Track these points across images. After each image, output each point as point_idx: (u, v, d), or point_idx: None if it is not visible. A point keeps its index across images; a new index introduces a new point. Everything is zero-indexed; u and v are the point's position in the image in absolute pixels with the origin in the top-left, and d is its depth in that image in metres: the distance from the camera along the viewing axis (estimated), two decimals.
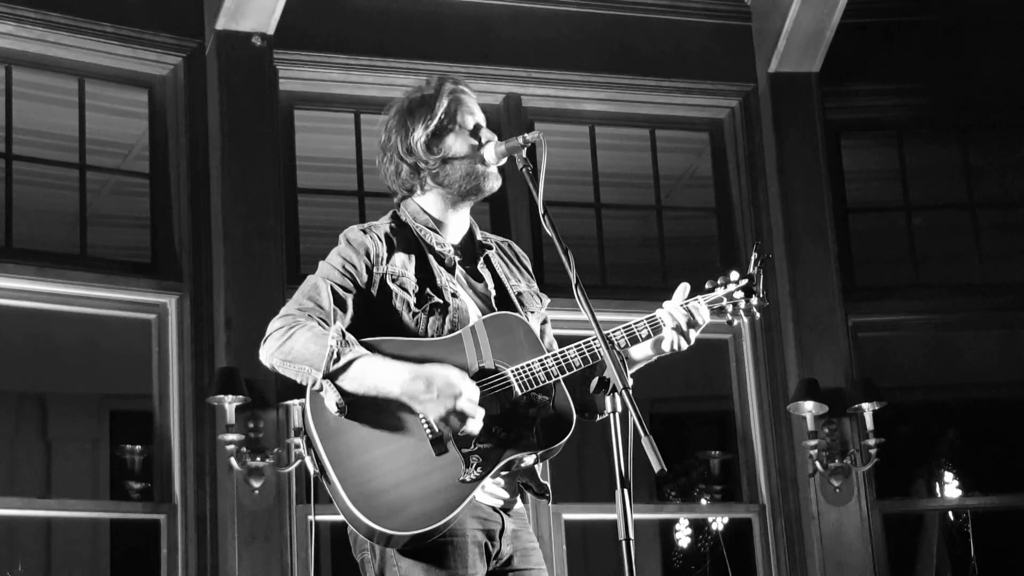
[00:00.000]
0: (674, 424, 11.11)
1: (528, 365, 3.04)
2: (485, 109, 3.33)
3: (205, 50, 6.67)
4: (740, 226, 7.31)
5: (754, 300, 3.25)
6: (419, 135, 3.18)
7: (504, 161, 3.22)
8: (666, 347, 3.18)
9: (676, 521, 11.09)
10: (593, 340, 3.04)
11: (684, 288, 3.21)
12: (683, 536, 11.23)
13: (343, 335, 2.96)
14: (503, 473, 3.03)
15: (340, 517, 2.97)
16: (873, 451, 6.68)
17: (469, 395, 2.93)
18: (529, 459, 3.03)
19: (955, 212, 7.76)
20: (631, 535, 2.69)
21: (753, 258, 3.28)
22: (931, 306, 7.40)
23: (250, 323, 6.27)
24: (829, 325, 7.00)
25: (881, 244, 7.78)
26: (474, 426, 2.94)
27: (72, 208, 6.67)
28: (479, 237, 3.30)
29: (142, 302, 6.47)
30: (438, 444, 2.95)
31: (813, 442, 6.70)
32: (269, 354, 2.99)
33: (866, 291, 7.31)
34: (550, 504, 6.51)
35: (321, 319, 3.01)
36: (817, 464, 6.71)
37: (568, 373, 3.05)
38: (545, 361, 3.05)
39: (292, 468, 6.13)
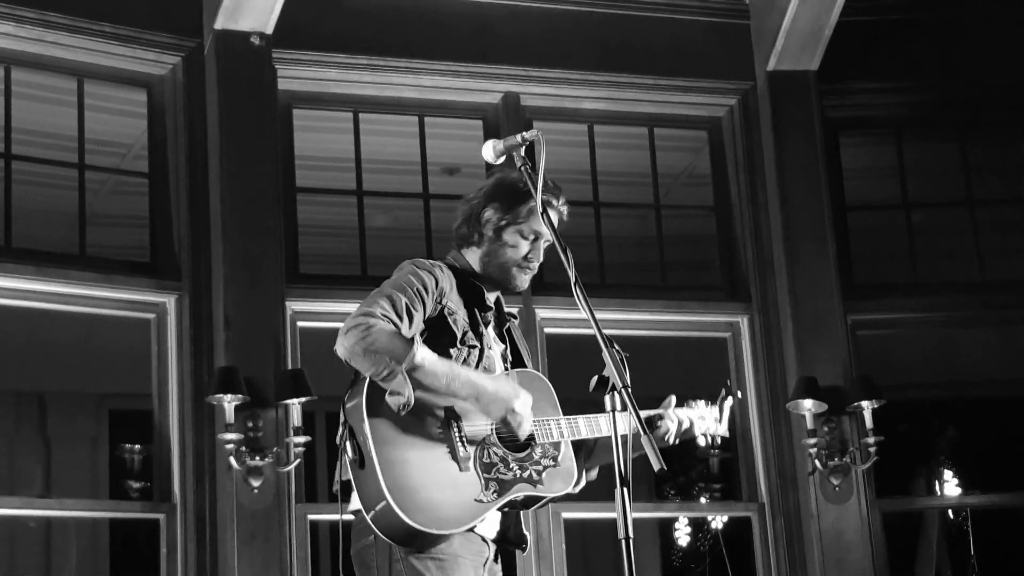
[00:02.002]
0: None
1: (547, 420, 3.36)
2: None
3: (204, 49, 6.68)
4: (739, 224, 7.31)
5: (722, 430, 3.80)
6: (495, 215, 3.43)
7: (503, 160, 3.25)
8: (671, 438, 3.68)
9: (675, 520, 11.11)
10: (599, 416, 3.37)
11: (671, 400, 3.69)
12: (682, 535, 11.26)
13: (421, 342, 3.18)
14: (508, 506, 3.26)
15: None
16: (872, 449, 6.68)
17: (524, 400, 3.25)
18: (533, 498, 3.30)
19: (954, 210, 7.75)
20: (631, 534, 2.71)
21: (721, 394, 3.81)
22: (930, 304, 7.39)
23: (249, 322, 6.28)
24: (828, 323, 7.00)
25: (880, 242, 7.77)
26: (527, 426, 3.27)
27: (71, 208, 6.66)
28: (505, 308, 3.57)
29: (141, 301, 6.47)
30: (464, 462, 3.19)
31: (812, 440, 6.69)
32: (350, 344, 3.13)
33: (865, 289, 7.31)
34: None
35: (394, 323, 3.17)
36: (816, 462, 6.71)
37: (575, 438, 3.39)
38: (560, 422, 3.39)
39: (291, 467, 6.13)
